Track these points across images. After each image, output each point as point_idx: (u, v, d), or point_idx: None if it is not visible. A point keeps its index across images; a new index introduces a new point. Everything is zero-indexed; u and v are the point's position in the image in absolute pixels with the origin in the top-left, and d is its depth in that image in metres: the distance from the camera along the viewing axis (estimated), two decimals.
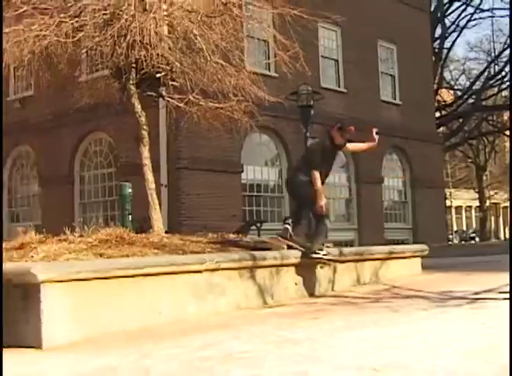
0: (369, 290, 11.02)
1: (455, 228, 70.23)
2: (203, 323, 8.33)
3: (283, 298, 10.05)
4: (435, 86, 40.79)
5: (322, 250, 10.41)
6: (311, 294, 10.68)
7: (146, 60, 12.49)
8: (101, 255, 9.15)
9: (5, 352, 6.62)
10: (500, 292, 9.46)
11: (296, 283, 10.52)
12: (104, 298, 7.92)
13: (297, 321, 8.04)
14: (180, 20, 13.07)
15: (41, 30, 12.18)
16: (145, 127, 13.34)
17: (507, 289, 9.30)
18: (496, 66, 50.15)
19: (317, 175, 10.05)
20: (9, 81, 24.49)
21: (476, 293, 9.82)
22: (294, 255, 10.62)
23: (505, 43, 49.84)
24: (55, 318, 7.31)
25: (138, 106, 13.08)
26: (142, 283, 8.35)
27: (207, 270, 9.07)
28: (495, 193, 66.91)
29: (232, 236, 12.62)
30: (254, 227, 19.79)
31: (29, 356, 6.61)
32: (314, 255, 10.30)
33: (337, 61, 27.33)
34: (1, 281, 7.36)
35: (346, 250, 12.69)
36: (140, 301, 8.29)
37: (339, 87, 26.97)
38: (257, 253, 10.20)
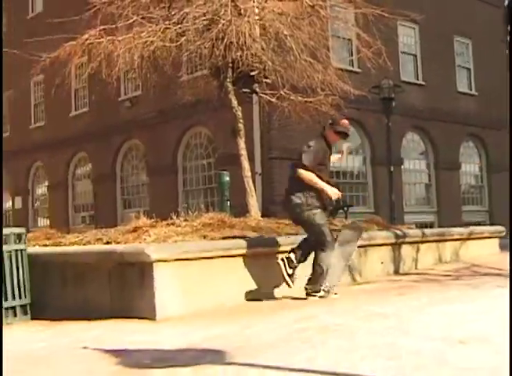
0: (450, 268, 10.89)
1: None
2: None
3: (369, 275, 10.03)
4: (510, 79, 39.74)
5: (318, 292, 8.32)
6: (396, 272, 10.62)
7: (241, 60, 12.58)
8: (205, 237, 9.27)
9: (124, 322, 6.83)
10: None
11: (382, 262, 10.47)
12: (209, 276, 8.04)
13: (385, 297, 8.02)
14: (271, 23, 13.09)
15: (148, 37, 12.40)
16: (241, 120, 13.44)
17: None
18: None
19: (310, 174, 8.27)
20: (120, 83, 24.93)
21: None
22: (381, 236, 10.57)
23: None
24: (167, 293, 7.48)
25: (234, 102, 13.18)
26: (242, 263, 8.44)
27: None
28: None
29: None
30: (341, 211, 19.66)
31: (145, 327, 6.77)
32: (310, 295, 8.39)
33: (416, 56, 26.92)
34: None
35: (428, 231, 12.55)
36: (240, 279, 8.38)
37: (418, 80, 26.55)
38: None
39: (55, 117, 29.62)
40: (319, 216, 8.30)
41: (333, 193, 8.38)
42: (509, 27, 12.30)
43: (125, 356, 5.04)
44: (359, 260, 10.04)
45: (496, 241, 12.98)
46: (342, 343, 5.19)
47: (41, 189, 32.47)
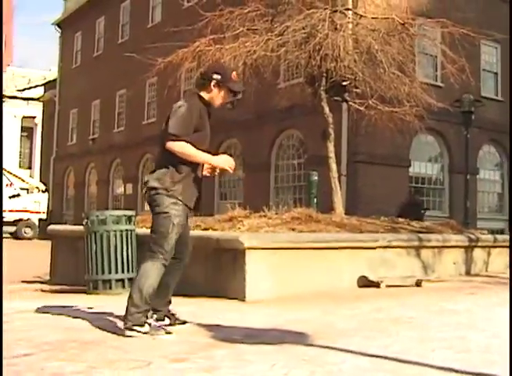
0: None
1: None
2: (375, 291, 8.28)
3: (442, 274, 9.81)
4: None
5: (143, 325, 4.90)
6: (468, 273, 10.36)
7: (334, 71, 12.53)
8: (293, 230, 9.27)
9: (218, 301, 6.89)
10: None
11: (454, 263, 10.24)
12: (295, 265, 8.04)
13: (456, 295, 7.84)
14: (364, 37, 12.99)
15: (252, 46, 12.49)
16: (331, 126, 13.39)
17: None
18: None
19: (183, 144, 4.93)
20: None
21: None
22: (455, 239, 10.34)
23: None
24: (256, 278, 7.51)
25: (326, 109, 13.13)
26: (326, 255, 8.42)
27: (379, 247, 8.99)
28: None
29: (401, 220, 12.41)
30: (422, 212, 19.35)
31: (235, 306, 6.81)
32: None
33: (496, 73, 26.23)
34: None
35: (500, 236, 12.21)
36: (324, 270, 8.36)
37: (497, 96, 25.87)
38: (422, 235, 10.01)
39: (165, 115, 30.10)
40: (175, 213, 4.97)
41: (224, 161, 5.15)
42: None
43: (218, 331, 5.06)
44: (433, 259, 9.84)
45: None
46: (415, 334, 5.08)
47: (121, 188, 33.49)
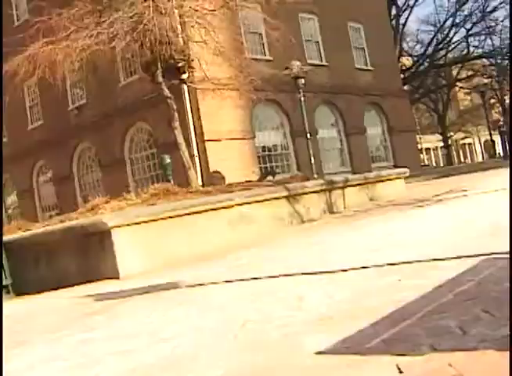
0: (370, 205, 10.92)
1: (427, 164, 69.86)
2: (237, 244, 8.29)
3: (305, 217, 9.94)
4: (397, 54, 40.34)
5: None
6: (332, 212, 10.55)
7: (167, 54, 12.38)
8: (153, 205, 9.09)
9: (93, 284, 6.68)
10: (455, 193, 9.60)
11: (309, 208, 10.40)
12: (161, 236, 7.89)
13: (313, 231, 7.99)
14: (190, 19, 12.91)
15: (84, 41, 12.09)
16: (174, 107, 13.22)
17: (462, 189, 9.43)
18: (442, 34, 49.69)
19: None
20: (67, 94, 24.55)
21: (438, 195, 9.89)
22: (315, 183, 10.62)
23: (446, 15, 49.40)
24: (126, 254, 7.32)
25: (166, 91, 12.95)
26: (189, 220, 8.31)
27: (237, 205, 9.01)
28: (455, 133, 66.32)
29: (253, 182, 12.52)
30: (270, 177, 19.69)
31: (112, 283, 6.62)
32: None
33: (318, 41, 26.99)
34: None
35: (351, 177, 12.64)
36: (189, 234, 8.25)
37: (321, 61, 26.67)
38: (277, 187, 10.14)
39: (14, 130, 28.91)
40: None
41: None
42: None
43: (99, 297, 4.91)
44: (298, 205, 9.97)
45: (403, 181, 13.09)
46: (277, 266, 5.14)
47: (12, 197, 31.86)
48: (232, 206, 8.89)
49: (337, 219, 9.37)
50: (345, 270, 4.03)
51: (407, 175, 13.33)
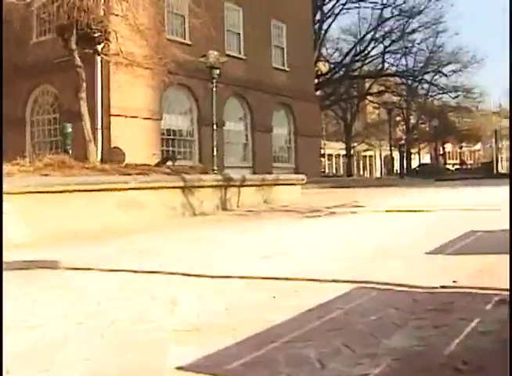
0: (264, 207, 11.06)
1: (327, 171, 71.30)
2: (127, 228, 8.21)
3: (198, 210, 9.97)
4: (315, 59, 40.92)
5: None
6: (225, 209, 10.61)
7: (83, 22, 12.08)
8: (46, 175, 8.87)
9: None
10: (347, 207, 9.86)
11: (202, 201, 10.42)
12: (50, 209, 7.71)
13: (204, 227, 8.01)
14: None
15: None
16: (83, 78, 12.90)
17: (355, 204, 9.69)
18: (361, 46, 50.84)
19: None
20: None
21: (330, 207, 10.12)
22: (212, 178, 10.58)
23: (367, 28, 50.54)
24: (10, 223, 7.07)
25: (78, 60, 12.63)
26: (81, 197, 8.16)
27: (131, 189, 8.91)
28: (358, 144, 67.99)
29: (154, 167, 12.41)
30: (170, 163, 19.55)
31: None
32: None
33: (239, 34, 26.99)
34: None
35: (249, 176, 12.71)
36: (79, 211, 8.10)
37: (240, 54, 26.71)
38: (175, 176, 10.10)
39: None
40: None
41: None
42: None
43: None
44: (193, 198, 9.95)
45: (299, 187, 13.33)
46: (160, 260, 5.12)
47: None
48: (127, 189, 8.79)
49: (230, 217, 9.44)
50: (227, 277, 4.07)
51: (304, 182, 13.59)
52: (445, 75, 52.84)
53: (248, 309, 3.10)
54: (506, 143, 74.38)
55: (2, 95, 12.48)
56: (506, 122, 65.98)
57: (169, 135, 23.19)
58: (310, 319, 2.84)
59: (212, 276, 4.10)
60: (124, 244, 6.38)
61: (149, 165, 12.58)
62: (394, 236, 6.03)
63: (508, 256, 3.80)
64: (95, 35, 12.82)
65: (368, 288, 3.49)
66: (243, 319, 2.88)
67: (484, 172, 45.02)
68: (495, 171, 48.03)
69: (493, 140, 61.73)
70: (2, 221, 7.11)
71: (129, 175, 9.52)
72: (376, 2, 49.01)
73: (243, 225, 7.94)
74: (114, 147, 19.45)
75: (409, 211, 9.05)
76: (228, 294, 3.52)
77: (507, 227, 6.35)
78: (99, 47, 13.62)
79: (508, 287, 3.20)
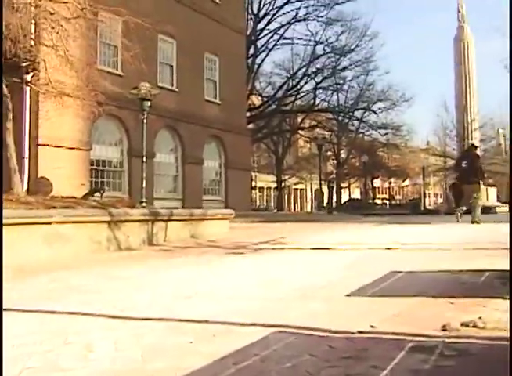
0: (191, 242, 11.04)
1: (258, 203, 71.65)
2: (51, 264, 8.06)
3: (124, 245, 9.87)
4: (247, 92, 41.38)
5: None
6: (151, 244, 10.53)
7: (11, 51, 11.93)
8: None
9: None
10: (273, 243, 10.12)
11: (128, 236, 10.33)
12: None
13: (128, 263, 7.93)
14: (44, 20, 12.53)
15: None
16: (9, 107, 12.68)
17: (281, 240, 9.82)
18: (293, 81, 51.71)
19: None
20: None
21: (256, 243, 10.18)
22: (139, 213, 10.49)
23: (300, 64, 51.55)
24: None
25: (5, 89, 12.41)
26: (3, 232, 7.95)
27: (55, 222, 8.77)
28: (289, 178, 68.73)
29: (80, 199, 12.25)
30: (98, 194, 19.34)
31: None
32: None
33: (172, 66, 27.09)
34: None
35: (176, 211, 12.68)
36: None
37: (172, 86, 26.79)
38: (100, 210, 9.98)
39: None
40: None
41: None
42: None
43: None
44: (119, 232, 9.85)
45: (227, 222, 13.38)
46: (84, 298, 5.04)
47: None
48: (51, 223, 8.65)
49: (156, 252, 9.38)
50: (147, 319, 4.04)
51: (233, 216, 13.65)
52: (375, 113, 54.20)
53: (165, 354, 3.09)
54: (433, 179, 76.63)
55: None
56: (433, 159, 67.96)
57: (98, 165, 22.98)
58: (226, 366, 2.84)
59: (132, 318, 4.07)
60: (47, 281, 6.26)
61: (75, 198, 12.41)
62: (315, 276, 6.10)
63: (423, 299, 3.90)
64: (24, 65, 12.66)
65: (286, 333, 3.52)
66: (157, 367, 2.87)
67: (412, 209, 46.18)
68: (422, 208, 49.21)
69: (421, 176, 63.38)
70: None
71: (54, 208, 9.37)
72: (309, 39, 50.13)
73: (167, 262, 7.90)
74: (41, 177, 19.10)
75: (333, 248, 9.18)
76: (147, 338, 3.50)
77: (428, 268, 6.54)
78: (28, 77, 13.46)
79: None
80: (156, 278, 6.34)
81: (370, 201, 61.01)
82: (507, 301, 4.30)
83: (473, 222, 15.98)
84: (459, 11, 68.13)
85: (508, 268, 5.84)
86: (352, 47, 50.40)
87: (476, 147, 17.79)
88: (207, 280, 6.06)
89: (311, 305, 4.47)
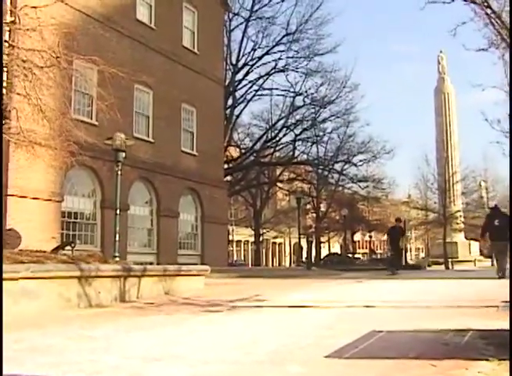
0: (165, 299, 10.89)
1: (235, 257, 71.37)
2: (18, 321, 7.90)
3: (95, 302, 9.71)
4: (225, 144, 41.56)
5: None
6: (122, 300, 10.36)
7: None
8: None
9: None
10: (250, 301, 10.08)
11: (99, 292, 10.18)
12: None
13: (98, 322, 7.80)
14: (16, 68, 12.59)
15: None
16: None
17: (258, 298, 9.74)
18: (272, 133, 51.97)
19: None
20: None
21: (232, 301, 10.08)
22: (111, 268, 10.37)
23: (280, 115, 51.83)
24: None
25: None
26: None
27: (22, 278, 8.62)
28: (267, 231, 68.67)
29: (49, 254, 12.08)
30: (69, 248, 19.15)
31: None
32: None
33: (148, 117, 27.20)
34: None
35: (150, 266, 12.56)
36: None
37: (148, 137, 26.86)
38: (70, 265, 9.85)
39: None
40: None
41: None
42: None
43: None
44: (90, 288, 9.69)
45: (203, 278, 13.27)
46: (49, 360, 4.92)
47: None
48: (17, 279, 8.50)
49: (128, 310, 9.24)
50: None
51: (208, 272, 13.55)
52: (355, 165, 54.54)
53: None
54: (415, 233, 76.92)
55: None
56: (414, 212, 68.34)
57: (70, 217, 22.80)
58: None
59: None
60: (11, 341, 6.10)
61: (45, 252, 12.26)
62: (293, 337, 6.03)
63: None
64: None
65: None
66: None
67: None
68: (403, 263, 49.16)
69: None
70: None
71: (22, 262, 9.22)
72: (287, 90, 50.65)
73: (139, 321, 7.78)
74: (9, 229, 18.87)
75: (311, 306, 9.11)
76: None
77: (410, 327, 6.50)
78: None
79: None
80: (127, 338, 6.22)
81: (350, 256, 60.95)
82: (492, 363, 4.28)
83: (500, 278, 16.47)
84: (439, 62, 69.56)
85: (490, 328, 5.83)
86: (332, 98, 50.83)
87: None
88: (180, 341, 5.96)
89: (289, 368, 4.40)
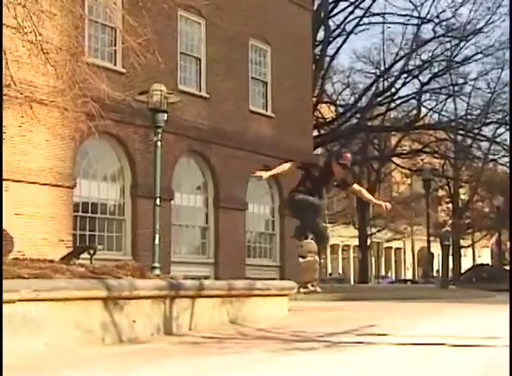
0: (231, 330, 10.94)
1: (329, 270, 71.36)
2: (15, 364, 8.05)
3: (127, 335, 9.81)
4: (315, 99, 41.34)
5: None
6: (169, 333, 10.45)
7: None
8: None
9: None
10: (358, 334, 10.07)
11: (134, 321, 10.28)
12: None
13: (132, 364, 7.87)
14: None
15: None
16: None
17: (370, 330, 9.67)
18: (385, 82, 50.94)
19: None
20: None
21: (332, 334, 10.07)
22: (151, 286, 10.47)
23: (396, 54, 50.84)
24: None
25: None
26: None
27: (21, 300, 8.77)
28: (378, 231, 68.26)
29: (57, 264, 12.28)
30: (86, 256, 19.44)
31: None
32: None
33: (200, 59, 27.23)
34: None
35: (208, 282, 12.62)
36: None
37: (200, 91, 26.93)
38: (94, 280, 9.97)
39: None
40: None
41: None
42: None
43: None
44: (120, 315, 9.81)
45: (286, 300, 13.27)
46: None
47: None
48: (14, 301, 8.65)
49: (175, 347, 9.32)
50: None
51: (294, 292, 13.53)
52: None
53: None
54: None
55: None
56: None
57: (86, 211, 23.14)
58: None
59: None
60: None
61: (52, 261, 12.46)
62: None
63: None
64: None
65: None
66: None
67: None
68: None
69: None
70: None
71: (21, 277, 9.39)
72: (409, 15, 49.63)
73: (192, 363, 7.80)
74: None
75: (455, 345, 8.99)
76: None
77: None
78: None
79: None
80: None
81: (508, 268, 60.17)
82: None
83: None
84: None
85: None
86: (479, 26, 49.74)
87: None
88: None
89: None
